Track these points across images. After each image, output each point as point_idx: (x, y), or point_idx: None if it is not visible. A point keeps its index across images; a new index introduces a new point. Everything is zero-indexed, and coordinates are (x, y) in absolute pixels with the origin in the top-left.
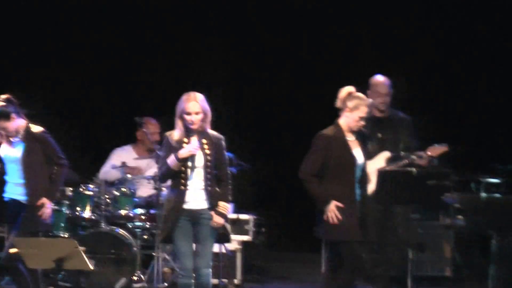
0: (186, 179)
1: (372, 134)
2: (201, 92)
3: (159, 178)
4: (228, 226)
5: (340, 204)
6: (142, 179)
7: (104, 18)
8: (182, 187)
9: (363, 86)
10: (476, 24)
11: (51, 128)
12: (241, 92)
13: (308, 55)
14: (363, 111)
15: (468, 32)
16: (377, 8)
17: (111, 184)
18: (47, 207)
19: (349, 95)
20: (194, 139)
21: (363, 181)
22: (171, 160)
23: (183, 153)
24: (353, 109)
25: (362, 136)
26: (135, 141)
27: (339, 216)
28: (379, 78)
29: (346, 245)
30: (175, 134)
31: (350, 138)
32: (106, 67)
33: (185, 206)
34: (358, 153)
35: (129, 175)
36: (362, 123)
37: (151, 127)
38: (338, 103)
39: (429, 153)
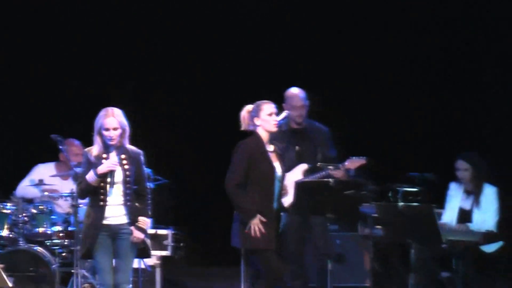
0: (105, 194)
1: (290, 146)
2: (118, 107)
3: (78, 195)
4: (148, 241)
5: (263, 219)
6: (60, 196)
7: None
8: (102, 203)
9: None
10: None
11: None
12: (158, 106)
13: (222, 68)
14: (268, 108)
15: (378, 45)
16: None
17: (28, 202)
18: None
19: (248, 110)
20: (113, 155)
21: (280, 193)
22: (90, 176)
23: (102, 169)
24: (258, 112)
25: (279, 148)
26: (59, 160)
27: (262, 230)
28: (294, 90)
29: (263, 254)
30: (94, 150)
31: (269, 149)
32: (30, 80)
33: (105, 222)
34: (277, 164)
35: (45, 193)
36: (275, 118)
37: (74, 148)
38: (244, 126)
39: (347, 164)
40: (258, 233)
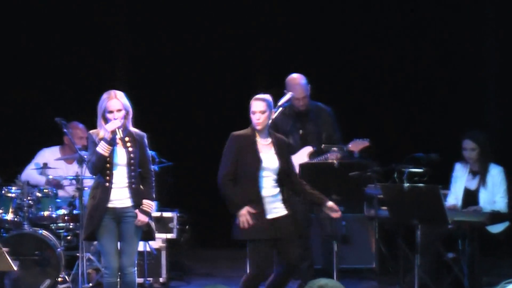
0: (110, 176)
1: (294, 130)
2: (122, 90)
3: (91, 170)
4: (153, 224)
5: (252, 210)
6: (65, 179)
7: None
8: (107, 184)
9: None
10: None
11: None
12: (162, 90)
13: (230, 56)
14: (252, 106)
15: (384, 27)
16: None
17: (33, 185)
18: None
19: None
20: (116, 121)
21: (288, 182)
22: (100, 146)
23: (109, 127)
24: (250, 108)
25: (281, 141)
26: (63, 143)
27: (250, 221)
28: (295, 80)
29: (252, 244)
30: (101, 132)
31: (264, 142)
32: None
33: (110, 205)
34: (268, 156)
35: (50, 176)
36: (258, 117)
37: (78, 132)
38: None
39: (350, 147)
40: (246, 224)
